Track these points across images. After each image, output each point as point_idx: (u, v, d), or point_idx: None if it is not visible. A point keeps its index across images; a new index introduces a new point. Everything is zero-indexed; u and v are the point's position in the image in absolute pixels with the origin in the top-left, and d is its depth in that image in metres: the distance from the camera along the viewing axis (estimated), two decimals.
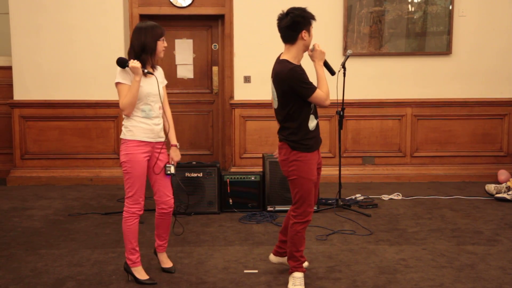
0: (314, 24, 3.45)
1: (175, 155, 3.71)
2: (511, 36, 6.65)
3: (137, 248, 3.63)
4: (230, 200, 5.30)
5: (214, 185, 5.27)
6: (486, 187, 5.81)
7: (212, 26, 7.19)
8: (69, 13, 6.53)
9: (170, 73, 7.22)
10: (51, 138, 6.66)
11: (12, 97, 6.67)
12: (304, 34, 3.40)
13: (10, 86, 6.72)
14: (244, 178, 5.34)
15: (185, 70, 7.26)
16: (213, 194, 5.27)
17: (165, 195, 3.65)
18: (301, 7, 3.45)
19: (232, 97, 6.81)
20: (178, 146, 3.73)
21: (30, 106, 6.61)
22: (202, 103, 7.28)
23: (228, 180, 5.30)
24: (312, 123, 3.51)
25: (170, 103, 7.23)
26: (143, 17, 6.98)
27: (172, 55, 7.19)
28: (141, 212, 3.59)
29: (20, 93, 6.62)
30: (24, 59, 6.57)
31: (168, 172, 3.62)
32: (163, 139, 3.65)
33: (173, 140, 3.71)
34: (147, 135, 3.53)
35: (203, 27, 7.20)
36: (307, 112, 3.47)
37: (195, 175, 5.26)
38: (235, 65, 6.66)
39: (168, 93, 7.66)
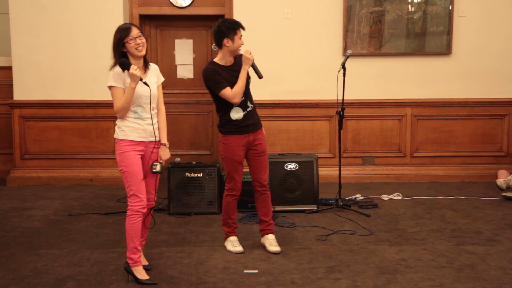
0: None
1: (163, 153, 3.73)
2: (511, 36, 6.66)
3: (139, 248, 3.65)
4: None
5: (214, 185, 5.27)
6: (497, 182, 5.85)
7: (212, 26, 7.19)
8: (69, 13, 6.53)
9: (170, 73, 7.22)
10: (51, 138, 6.66)
11: (12, 97, 6.67)
12: (226, 41, 3.98)
13: (10, 86, 6.72)
14: (244, 178, 5.31)
15: (185, 70, 7.26)
16: (213, 194, 5.27)
17: (149, 193, 3.70)
18: (231, 19, 4.07)
19: None
20: (168, 145, 3.75)
21: (30, 106, 6.61)
22: (202, 103, 7.28)
23: None
24: (236, 114, 4.10)
25: (170, 103, 7.25)
26: (143, 17, 6.99)
27: (172, 55, 7.20)
28: (145, 210, 3.61)
29: (20, 93, 6.62)
30: (24, 59, 6.57)
31: (154, 170, 3.65)
32: (157, 139, 3.68)
33: (163, 139, 3.73)
34: (139, 135, 3.57)
35: (203, 27, 7.21)
36: (228, 105, 4.07)
37: (195, 175, 5.26)
38: None
39: (168, 93, 7.64)
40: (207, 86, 4.08)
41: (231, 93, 3.99)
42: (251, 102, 4.19)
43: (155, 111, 3.67)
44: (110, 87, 3.53)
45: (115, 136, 3.61)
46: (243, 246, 4.29)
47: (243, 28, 4.04)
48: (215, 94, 4.07)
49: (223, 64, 4.05)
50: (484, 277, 3.71)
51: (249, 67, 4.06)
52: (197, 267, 3.90)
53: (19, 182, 6.60)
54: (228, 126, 4.13)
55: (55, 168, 6.69)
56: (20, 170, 6.68)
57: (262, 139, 4.22)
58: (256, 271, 3.83)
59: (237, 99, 4.02)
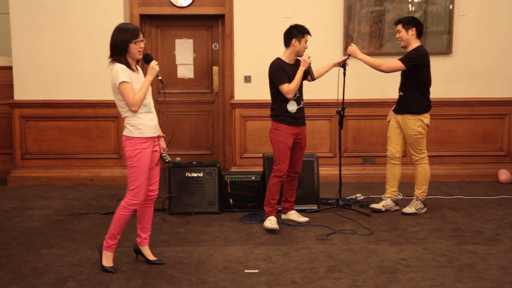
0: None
1: (164, 144, 3.93)
2: (511, 35, 6.65)
3: (118, 237, 3.80)
4: (231, 200, 5.30)
5: (215, 185, 5.27)
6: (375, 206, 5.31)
7: (213, 26, 7.19)
8: (70, 13, 6.53)
9: (171, 73, 7.22)
10: (52, 138, 6.66)
11: (12, 97, 6.67)
12: (294, 41, 4.65)
13: (10, 86, 6.72)
14: (244, 178, 5.34)
15: (186, 70, 7.26)
16: (214, 194, 5.27)
17: (154, 184, 3.86)
18: (301, 25, 4.70)
19: (232, 97, 6.81)
20: (163, 136, 3.95)
21: (30, 106, 6.62)
22: (203, 103, 7.28)
23: (228, 180, 5.30)
24: (292, 107, 4.71)
25: (171, 102, 7.24)
26: (143, 17, 6.99)
27: (172, 55, 7.20)
28: (137, 207, 3.77)
29: (21, 93, 6.62)
30: (25, 59, 6.57)
31: (167, 160, 3.86)
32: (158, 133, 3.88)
33: (160, 131, 3.91)
34: (152, 131, 3.74)
35: (204, 27, 7.20)
36: (286, 98, 4.66)
37: (195, 175, 5.26)
38: (236, 65, 6.66)
39: (168, 93, 7.64)
40: (270, 78, 4.71)
41: (287, 89, 4.62)
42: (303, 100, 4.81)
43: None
44: (122, 83, 3.60)
45: (128, 134, 3.67)
46: (243, 245, 4.29)
47: (309, 35, 4.72)
48: (275, 87, 4.68)
49: (287, 62, 4.71)
50: (485, 276, 3.71)
51: (305, 68, 4.69)
52: (198, 267, 3.90)
53: (19, 182, 6.61)
54: (283, 117, 4.70)
55: (55, 168, 6.69)
56: (21, 170, 6.68)
57: (305, 135, 4.86)
58: (257, 270, 3.83)
59: (291, 95, 4.64)
